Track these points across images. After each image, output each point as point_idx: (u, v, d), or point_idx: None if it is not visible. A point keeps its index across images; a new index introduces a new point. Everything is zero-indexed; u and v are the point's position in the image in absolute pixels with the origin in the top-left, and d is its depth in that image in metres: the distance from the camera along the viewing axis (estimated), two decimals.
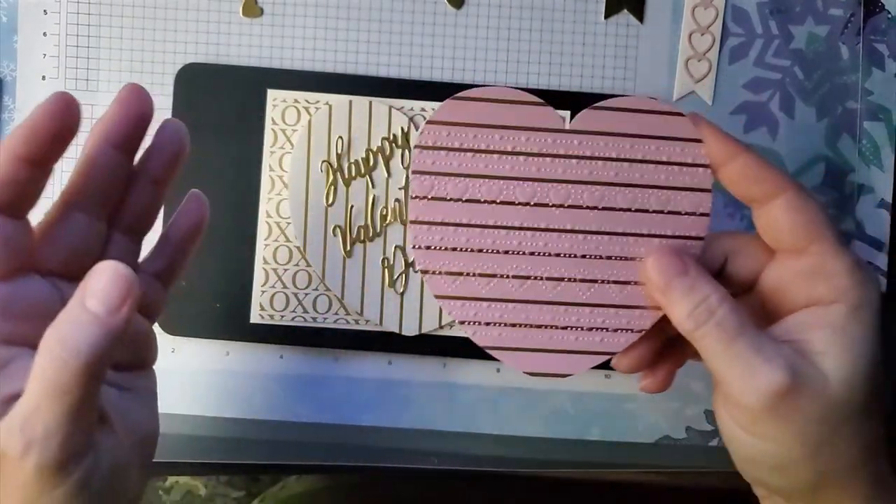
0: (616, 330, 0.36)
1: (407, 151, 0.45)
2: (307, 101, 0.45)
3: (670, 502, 0.48)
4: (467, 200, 0.35)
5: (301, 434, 0.46)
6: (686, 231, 0.35)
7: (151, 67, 0.46)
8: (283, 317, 0.45)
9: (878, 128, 0.47)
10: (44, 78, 0.46)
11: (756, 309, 0.34)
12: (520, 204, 0.35)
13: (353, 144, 0.45)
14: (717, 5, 0.46)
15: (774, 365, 0.31)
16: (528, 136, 0.35)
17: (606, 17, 0.46)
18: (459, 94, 0.35)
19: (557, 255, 0.36)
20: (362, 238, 0.45)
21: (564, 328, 0.36)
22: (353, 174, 0.45)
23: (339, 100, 0.45)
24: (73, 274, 0.31)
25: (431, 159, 0.35)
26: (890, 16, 0.46)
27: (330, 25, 0.46)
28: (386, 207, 0.45)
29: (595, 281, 0.36)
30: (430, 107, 0.45)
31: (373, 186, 0.45)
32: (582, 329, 0.36)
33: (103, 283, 0.28)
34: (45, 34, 0.46)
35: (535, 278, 0.36)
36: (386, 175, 0.45)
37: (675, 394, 0.46)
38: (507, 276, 0.36)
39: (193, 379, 0.46)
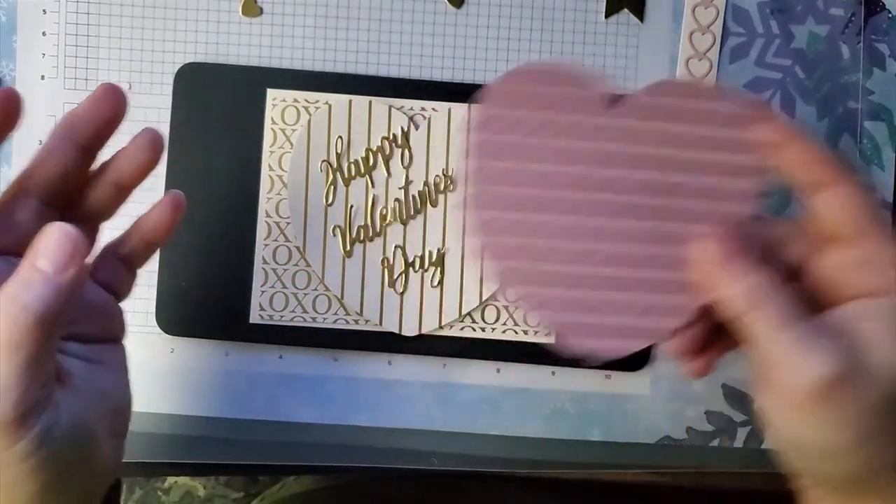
0: (669, 313, 0.35)
1: (407, 151, 0.45)
2: (307, 100, 0.45)
3: (670, 503, 0.48)
4: (526, 176, 0.35)
5: (301, 434, 0.46)
6: (741, 213, 0.35)
7: (151, 67, 0.46)
8: (282, 317, 0.45)
9: (879, 128, 0.47)
10: (43, 77, 0.46)
11: (803, 298, 0.33)
12: (577, 182, 0.35)
13: (352, 144, 0.45)
14: (717, 5, 0.46)
15: (827, 351, 0.31)
16: (587, 113, 0.34)
17: (607, 16, 0.46)
18: (523, 67, 0.34)
19: (614, 235, 0.35)
20: (362, 238, 0.45)
21: (618, 309, 0.35)
22: (353, 174, 0.45)
23: (338, 99, 0.45)
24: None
25: (492, 133, 0.34)
26: (891, 15, 0.46)
27: (330, 25, 0.46)
28: (386, 207, 0.45)
29: (651, 262, 0.35)
30: (431, 106, 0.45)
31: (373, 186, 0.45)
32: (636, 310, 0.35)
33: (51, 242, 0.29)
34: (44, 34, 0.46)
35: (591, 258, 0.35)
36: (386, 175, 0.45)
37: (675, 394, 0.46)
38: (563, 255, 0.35)
39: (193, 379, 0.46)
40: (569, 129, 0.34)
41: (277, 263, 0.45)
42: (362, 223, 0.45)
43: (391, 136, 0.45)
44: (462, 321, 0.45)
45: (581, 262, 0.35)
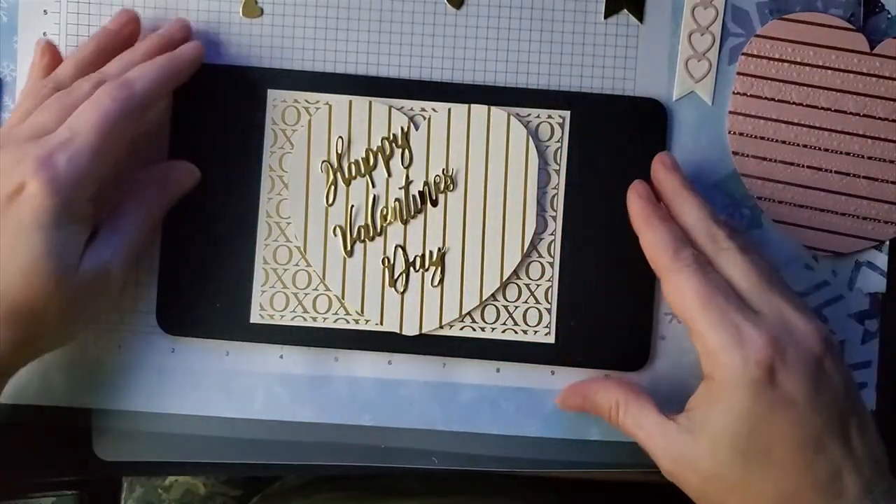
0: (888, 222, 0.45)
1: (407, 151, 0.45)
2: (307, 101, 0.45)
3: (670, 502, 0.48)
4: (779, 100, 0.45)
5: (301, 433, 0.46)
6: None
7: None
8: (283, 316, 0.45)
9: None
10: None
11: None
12: (822, 108, 0.45)
13: (353, 144, 0.45)
14: (716, 5, 0.46)
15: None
16: (837, 55, 0.45)
17: (606, 16, 0.46)
18: (785, 16, 0.45)
19: (847, 153, 0.45)
20: (362, 238, 0.45)
21: (844, 214, 0.45)
22: (354, 174, 0.45)
23: (338, 100, 0.45)
24: None
25: (754, 65, 0.45)
26: (890, 16, 0.46)
27: (330, 26, 0.46)
28: (386, 207, 0.45)
29: (876, 179, 0.45)
30: (431, 106, 0.45)
31: (373, 186, 0.45)
32: (858, 217, 0.45)
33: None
34: (45, 34, 0.46)
35: (826, 170, 0.45)
36: (386, 175, 0.45)
37: (675, 394, 0.46)
38: (803, 166, 0.45)
39: (193, 379, 0.46)
40: (821, 65, 0.44)
41: (278, 263, 0.45)
42: (363, 223, 0.45)
43: (391, 136, 0.45)
44: (462, 321, 0.45)
45: (817, 174, 0.45)
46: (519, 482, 0.48)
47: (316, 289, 0.45)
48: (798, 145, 0.45)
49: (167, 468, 0.48)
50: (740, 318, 0.37)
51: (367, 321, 0.45)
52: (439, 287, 0.45)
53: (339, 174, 0.45)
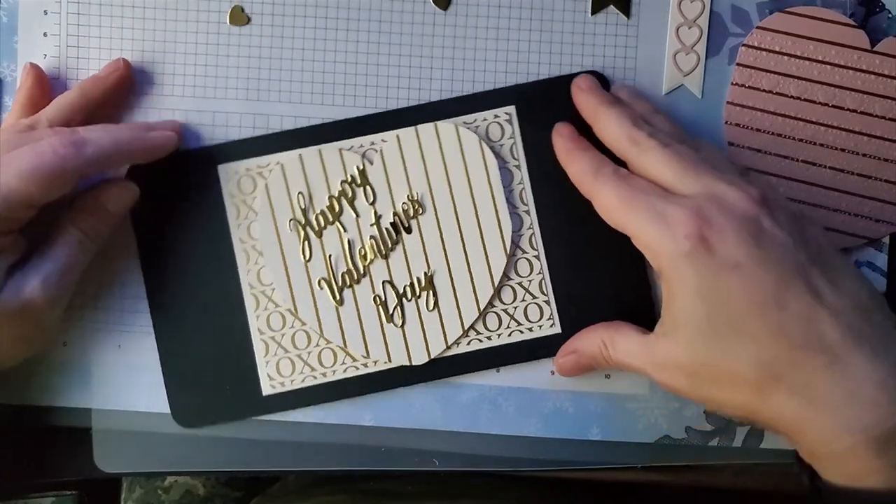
0: (879, 220, 0.45)
1: (368, 187, 0.45)
2: (258, 166, 0.45)
3: (670, 502, 0.48)
4: (777, 93, 0.45)
5: (302, 435, 0.46)
6: None
7: (152, 68, 0.46)
8: (293, 381, 0.45)
9: None
10: None
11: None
12: (820, 103, 0.44)
13: (314, 196, 0.45)
14: (703, 0, 0.46)
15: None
16: (838, 51, 0.44)
17: (593, 12, 0.46)
18: (787, 9, 0.45)
19: (843, 150, 0.45)
20: (349, 283, 0.45)
21: (835, 210, 0.45)
22: (323, 224, 0.45)
23: (289, 157, 0.45)
24: None
25: (754, 57, 0.45)
26: (890, 15, 0.46)
27: (319, 26, 0.46)
28: (364, 247, 0.45)
29: (870, 177, 0.45)
30: (380, 138, 0.45)
31: (345, 230, 0.45)
32: (850, 214, 0.45)
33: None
34: (45, 35, 0.46)
35: (820, 165, 0.45)
36: (354, 216, 0.45)
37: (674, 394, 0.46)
38: (798, 160, 0.45)
39: None
40: (821, 60, 0.44)
41: (274, 331, 0.45)
42: (345, 269, 0.45)
43: (349, 178, 0.45)
44: (467, 335, 0.45)
45: (810, 168, 0.45)
46: (519, 482, 0.48)
47: (317, 345, 0.45)
48: (794, 139, 0.45)
49: (167, 468, 0.48)
50: (663, 206, 0.37)
51: (375, 362, 0.45)
52: (436, 310, 0.45)
53: (308, 228, 0.45)
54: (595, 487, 0.47)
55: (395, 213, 0.45)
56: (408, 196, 0.45)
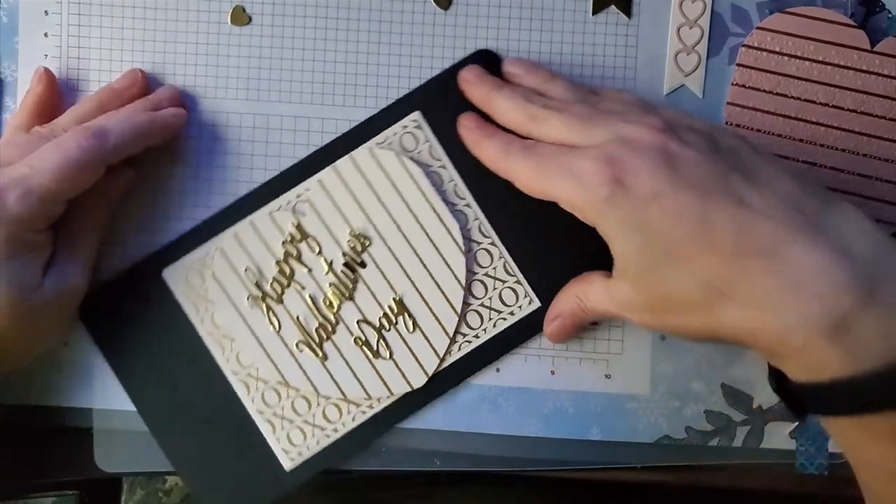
0: (879, 220, 0.41)
1: (310, 240, 0.45)
2: (200, 258, 0.45)
3: (670, 502, 0.48)
4: (777, 94, 0.45)
5: None
6: None
7: (152, 68, 0.46)
8: (308, 447, 0.45)
9: None
10: None
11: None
12: (820, 104, 0.44)
13: (262, 267, 0.45)
14: (704, 0, 0.46)
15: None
16: (838, 51, 0.44)
17: (594, 13, 0.46)
18: (787, 9, 0.45)
19: (843, 150, 0.45)
20: (325, 336, 0.45)
21: None
22: (280, 290, 0.45)
23: (225, 238, 0.45)
24: None
25: (754, 57, 0.45)
26: (890, 15, 0.46)
27: (320, 26, 0.46)
28: (326, 296, 0.45)
29: (870, 177, 0.45)
30: (303, 188, 0.45)
31: (303, 288, 0.45)
32: None
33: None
34: (46, 35, 0.46)
35: (821, 166, 0.45)
36: (307, 271, 0.45)
37: (674, 394, 0.46)
38: (798, 160, 0.45)
39: None
40: (821, 61, 0.44)
41: (272, 406, 0.45)
42: (317, 324, 0.45)
43: (288, 238, 0.45)
44: (455, 342, 0.45)
45: (812, 168, 0.45)
46: (519, 482, 0.48)
47: (318, 404, 0.45)
48: (794, 139, 0.45)
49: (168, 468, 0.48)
50: (572, 162, 0.37)
51: (379, 400, 0.45)
52: (416, 329, 0.45)
53: (268, 299, 0.45)
54: (595, 487, 0.47)
55: (344, 254, 0.45)
56: (350, 233, 0.45)
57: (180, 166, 0.46)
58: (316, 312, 0.45)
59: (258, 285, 0.45)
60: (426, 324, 0.45)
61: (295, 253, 0.45)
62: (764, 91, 0.45)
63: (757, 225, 0.34)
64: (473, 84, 0.44)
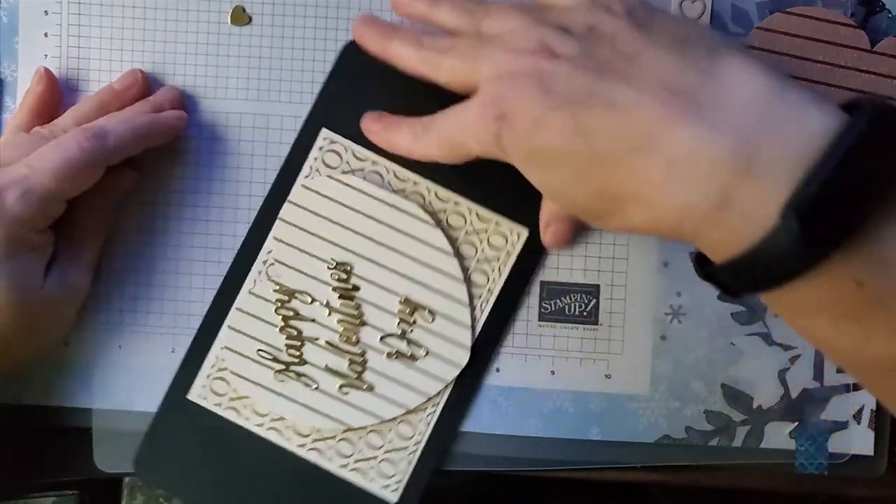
0: None
1: (296, 295, 0.45)
2: (210, 366, 0.46)
3: (670, 502, 0.48)
4: None
5: None
6: None
7: (152, 68, 0.46)
8: (401, 471, 0.45)
9: None
10: None
11: None
12: None
13: (270, 341, 0.45)
14: (704, 0, 0.46)
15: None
16: (838, 51, 0.44)
17: None
18: (787, 9, 0.45)
19: None
20: (361, 368, 0.45)
21: None
22: (298, 353, 0.45)
23: (224, 335, 0.45)
24: None
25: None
26: (890, 15, 0.46)
27: (320, 26, 0.46)
28: (342, 334, 0.45)
29: None
30: (266, 250, 0.45)
31: (317, 339, 0.45)
32: None
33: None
34: (46, 35, 0.46)
35: None
36: (310, 322, 0.45)
37: (674, 394, 0.46)
38: None
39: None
40: (822, 61, 0.44)
41: (349, 455, 0.45)
42: (347, 362, 0.45)
43: (278, 304, 0.45)
44: (473, 306, 0.45)
45: None
46: (519, 482, 0.48)
47: (389, 430, 0.45)
48: None
49: None
50: (462, 115, 0.38)
51: (438, 395, 0.45)
52: (435, 316, 0.45)
53: (292, 367, 0.45)
54: (595, 487, 0.47)
55: (334, 289, 0.45)
56: (328, 268, 0.45)
57: (180, 166, 0.46)
58: (340, 353, 0.45)
59: (276, 360, 0.45)
60: (441, 306, 0.45)
61: (291, 313, 0.45)
62: None
63: (631, 123, 0.33)
64: (367, 37, 0.43)
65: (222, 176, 0.46)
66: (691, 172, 0.32)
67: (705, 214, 0.32)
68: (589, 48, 0.35)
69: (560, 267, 0.46)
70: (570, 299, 0.46)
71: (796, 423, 0.46)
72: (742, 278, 0.32)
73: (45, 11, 0.46)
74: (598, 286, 0.46)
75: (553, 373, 0.46)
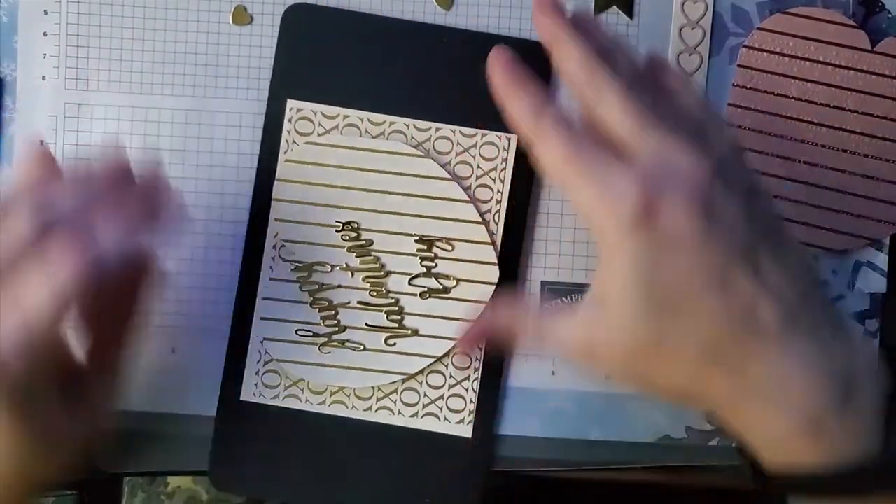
0: (881, 221, 0.45)
1: (315, 266, 0.45)
2: (262, 362, 0.45)
3: (670, 502, 0.48)
4: (778, 94, 0.45)
5: None
6: None
7: (151, 68, 0.46)
8: (471, 401, 0.45)
9: None
10: (44, 78, 0.46)
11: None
12: (821, 104, 0.44)
13: (304, 318, 0.45)
14: (706, 0, 0.46)
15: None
16: (838, 51, 0.45)
17: (596, 13, 0.46)
18: (787, 9, 0.45)
19: (845, 150, 0.45)
20: (400, 317, 0.45)
21: (838, 211, 0.45)
22: (335, 321, 0.45)
23: (258, 328, 0.45)
24: None
25: (754, 58, 0.45)
26: (890, 15, 0.46)
27: None
28: (371, 290, 0.45)
29: (872, 177, 0.45)
30: (272, 233, 0.45)
31: (348, 303, 0.45)
32: (853, 215, 0.45)
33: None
34: (45, 34, 0.46)
35: (822, 167, 0.45)
36: (336, 288, 0.45)
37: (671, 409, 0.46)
38: (800, 161, 0.45)
39: (194, 379, 0.46)
40: (821, 61, 0.44)
41: (416, 404, 0.45)
42: (384, 314, 0.45)
43: (300, 281, 0.45)
44: (486, 221, 0.45)
45: (814, 169, 0.45)
46: (519, 482, 0.48)
47: (446, 365, 0.45)
48: (795, 140, 0.45)
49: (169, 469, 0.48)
50: (608, 169, 0.33)
51: (483, 297, 0.45)
52: (453, 243, 0.45)
53: (333, 337, 0.45)
54: (595, 487, 0.47)
55: (349, 250, 0.45)
56: (336, 231, 0.45)
57: (180, 166, 0.46)
58: (375, 308, 0.45)
59: (316, 335, 0.45)
60: (456, 232, 0.45)
61: (316, 286, 0.45)
62: (764, 92, 0.45)
63: (768, 308, 0.33)
64: (546, 13, 0.37)
65: (222, 175, 0.46)
66: (800, 387, 0.33)
67: (796, 430, 0.33)
68: (753, 207, 0.34)
69: (560, 267, 0.46)
70: (571, 299, 0.46)
71: None
72: (805, 489, 0.33)
73: (45, 11, 0.46)
74: None
75: (553, 373, 0.46)
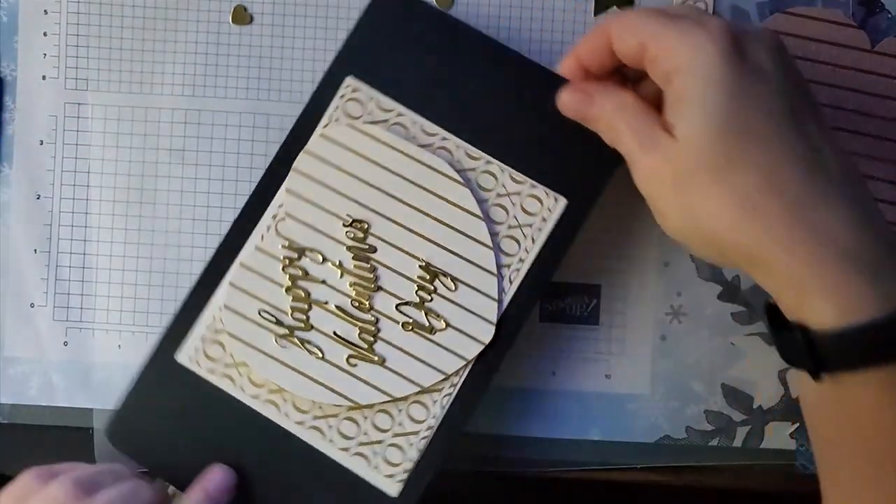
0: None
1: (306, 252, 0.41)
2: (206, 327, 0.41)
3: (670, 502, 0.48)
4: None
5: None
6: None
7: (151, 68, 0.46)
8: (410, 458, 0.41)
9: None
10: (44, 78, 0.46)
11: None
12: (821, 104, 0.40)
13: (274, 302, 0.41)
14: (706, 0, 0.46)
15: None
16: (838, 51, 0.45)
17: (596, 13, 0.46)
18: (787, 10, 0.45)
19: (851, 152, 0.42)
20: (372, 339, 0.41)
21: None
22: (305, 317, 0.41)
23: (222, 292, 0.41)
24: None
25: None
26: (890, 16, 0.46)
27: (319, 35, 0.46)
28: (353, 299, 0.41)
29: (871, 177, 0.45)
30: (277, 203, 0.41)
31: (326, 303, 0.41)
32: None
33: None
34: (45, 34, 0.46)
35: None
36: (320, 283, 0.41)
37: (675, 394, 0.46)
38: None
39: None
40: (822, 61, 0.44)
41: (353, 437, 0.41)
42: (357, 330, 0.41)
43: (286, 261, 0.41)
44: (502, 276, 0.41)
45: None
46: (519, 482, 0.48)
47: (399, 410, 0.41)
48: None
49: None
50: (694, 23, 0.36)
51: (457, 374, 0.41)
52: (458, 284, 0.41)
53: (296, 332, 0.41)
54: (595, 487, 0.47)
55: (349, 249, 0.41)
56: (343, 225, 0.41)
57: (179, 166, 0.46)
58: (351, 319, 0.41)
59: (280, 323, 0.41)
60: (465, 274, 0.41)
61: (300, 273, 0.41)
62: None
63: (831, 154, 0.35)
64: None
65: (221, 175, 0.46)
66: (865, 223, 0.34)
67: (856, 269, 0.33)
68: (789, 65, 0.37)
69: (560, 267, 0.46)
70: (571, 299, 0.46)
71: (796, 424, 0.46)
72: (875, 347, 0.32)
73: (45, 11, 0.46)
74: (598, 286, 0.46)
75: (553, 373, 0.46)
